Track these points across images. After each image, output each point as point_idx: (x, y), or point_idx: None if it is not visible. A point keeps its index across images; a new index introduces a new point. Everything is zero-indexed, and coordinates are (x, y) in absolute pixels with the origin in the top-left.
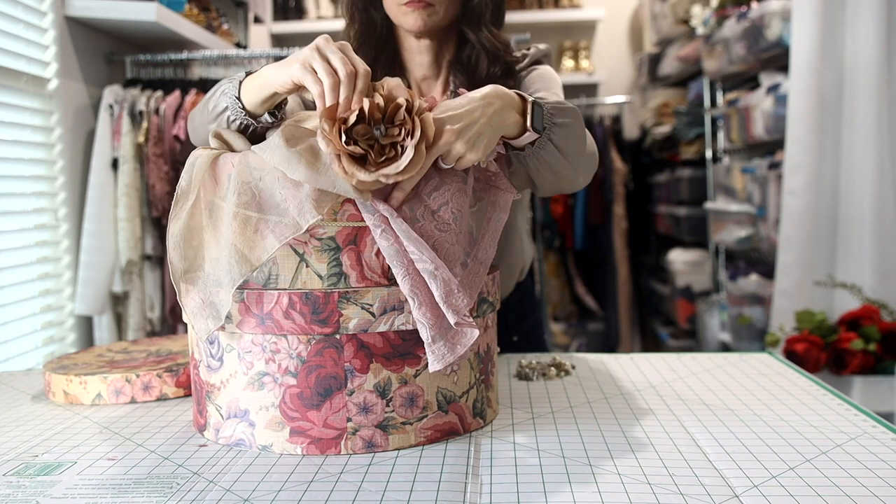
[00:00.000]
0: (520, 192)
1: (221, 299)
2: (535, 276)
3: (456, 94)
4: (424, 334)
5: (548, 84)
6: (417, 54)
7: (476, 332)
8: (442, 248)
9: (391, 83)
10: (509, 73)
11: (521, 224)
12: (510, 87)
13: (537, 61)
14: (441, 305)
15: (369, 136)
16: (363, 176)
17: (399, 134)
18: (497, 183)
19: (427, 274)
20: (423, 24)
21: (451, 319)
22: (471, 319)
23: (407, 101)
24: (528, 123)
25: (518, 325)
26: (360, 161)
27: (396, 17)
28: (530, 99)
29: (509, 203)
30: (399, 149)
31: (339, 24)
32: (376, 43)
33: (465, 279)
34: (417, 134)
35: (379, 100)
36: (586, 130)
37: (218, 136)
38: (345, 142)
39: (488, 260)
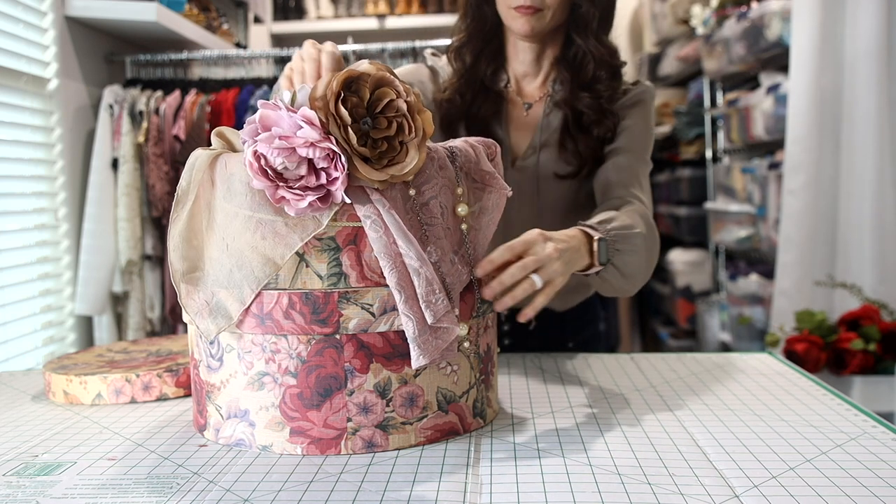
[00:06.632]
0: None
1: (237, 301)
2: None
3: (529, 106)
4: (410, 328)
5: (637, 149)
6: (521, 52)
7: (457, 330)
8: (430, 242)
9: (363, 65)
10: (615, 76)
11: None
12: (615, 90)
13: (640, 100)
14: (420, 303)
15: (360, 134)
16: (377, 175)
17: (389, 126)
18: (491, 182)
19: (411, 270)
20: (532, 29)
21: (429, 319)
22: (453, 317)
23: (398, 93)
24: (596, 261)
25: (577, 333)
26: (368, 162)
27: (506, 19)
28: (596, 237)
29: (502, 203)
30: (399, 146)
31: (339, 25)
32: (484, 37)
33: (448, 277)
34: (421, 134)
35: (355, 96)
36: (651, 241)
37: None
38: (357, 143)
39: (475, 261)
